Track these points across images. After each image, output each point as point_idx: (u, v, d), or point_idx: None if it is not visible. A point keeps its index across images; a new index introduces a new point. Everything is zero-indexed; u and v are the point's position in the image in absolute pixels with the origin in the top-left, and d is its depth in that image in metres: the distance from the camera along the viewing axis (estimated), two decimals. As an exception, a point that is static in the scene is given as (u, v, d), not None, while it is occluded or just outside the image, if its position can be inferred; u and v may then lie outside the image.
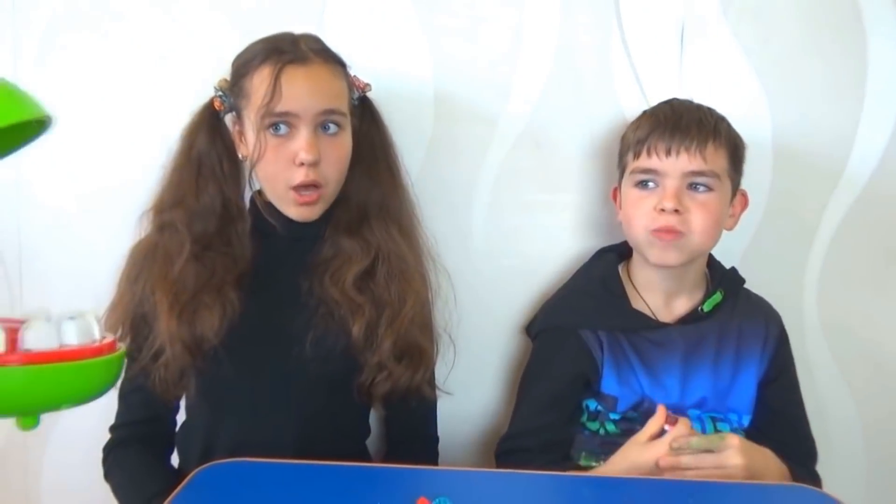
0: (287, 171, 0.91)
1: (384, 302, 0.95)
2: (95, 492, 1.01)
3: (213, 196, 0.94)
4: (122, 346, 0.54)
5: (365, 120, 1.00)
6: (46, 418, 1.17)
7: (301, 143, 0.89)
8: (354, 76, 0.99)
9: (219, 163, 0.95)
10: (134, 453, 0.98)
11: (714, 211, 0.96)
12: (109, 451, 0.99)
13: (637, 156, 0.98)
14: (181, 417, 1.03)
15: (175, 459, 1.03)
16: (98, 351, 0.48)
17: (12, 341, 0.43)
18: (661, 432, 0.87)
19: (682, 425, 0.87)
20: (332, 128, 0.92)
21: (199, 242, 0.93)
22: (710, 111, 1.00)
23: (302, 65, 0.89)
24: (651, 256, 0.98)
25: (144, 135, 1.14)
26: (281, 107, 0.88)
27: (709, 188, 0.96)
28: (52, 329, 0.45)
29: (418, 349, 0.97)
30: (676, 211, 0.94)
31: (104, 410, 0.99)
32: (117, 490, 0.97)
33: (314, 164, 0.90)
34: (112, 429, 1.00)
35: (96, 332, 0.50)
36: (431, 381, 1.03)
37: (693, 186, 0.96)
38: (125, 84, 1.15)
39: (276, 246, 0.96)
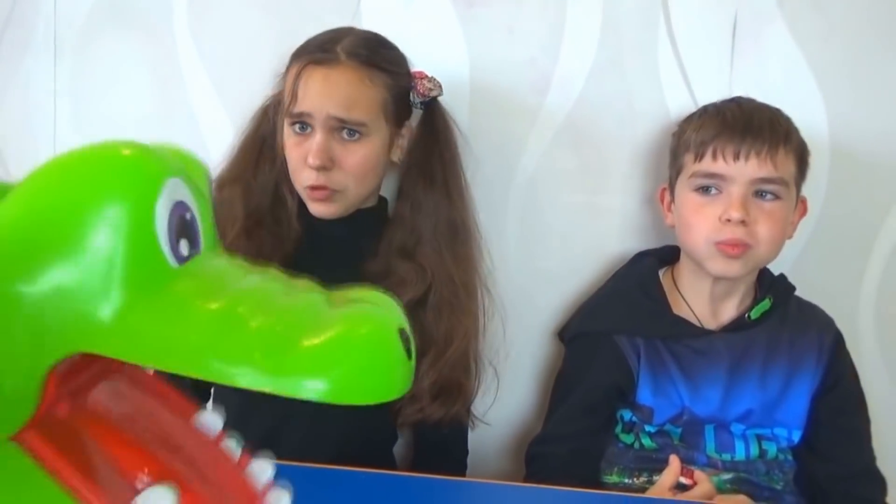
0: (302, 170, 0.90)
1: (430, 337, 0.91)
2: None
3: (269, 175, 0.95)
4: None
5: (426, 129, 0.97)
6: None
7: (311, 145, 0.88)
8: (427, 78, 0.96)
9: (280, 147, 0.95)
10: None
11: (781, 221, 0.90)
12: None
13: (700, 158, 0.91)
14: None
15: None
16: None
17: None
18: (679, 485, 0.82)
19: (703, 483, 0.80)
20: (354, 134, 0.89)
21: (252, 217, 0.94)
22: (780, 112, 0.94)
23: (325, 66, 0.87)
24: (712, 268, 0.91)
25: (177, 131, 1.13)
26: (297, 107, 0.88)
27: (776, 196, 0.90)
28: None
29: (457, 387, 0.93)
30: (742, 222, 0.87)
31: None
32: None
33: (323, 169, 0.88)
34: None
35: None
36: (467, 411, 0.99)
37: (759, 194, 0.89)
38: (162, 78, 1.15)
39: (319, 238, 0.95)
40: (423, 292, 0.91)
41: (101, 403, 0.40)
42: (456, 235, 0.96)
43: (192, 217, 0.38)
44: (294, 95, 0.87)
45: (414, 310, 0.91)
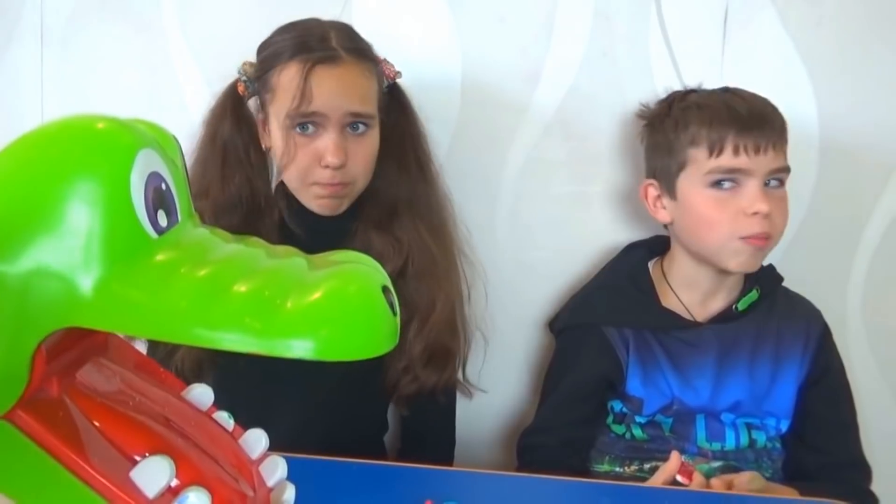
0: (312, 170, 0.88)
1: (414, 305, 0.92)
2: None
3: (240, 186, 0.91)
4: None
5: (394, 110, 0.97)
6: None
7: (328, 145, 0.87)
8: (385, 61, 0.96)
9: (245, 151, 0.92)
10: None
11: (787, 206, 0.93)
12: None
13: (718, 153, 0.90)
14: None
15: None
16: None
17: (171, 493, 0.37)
18: (674, 481, 0.81)
19: (697, 484, 0.80)
20: (361, 127, 0.89)
21: None
22: (770, 100, 0.95)
23: (332, 65, 0.86)
24: (733, 264, 0.91)
25: (167, 120, 1.12)
26: (310, 107, 0.86)
27: (781, 183, 0.92)
28: None
29: (446, 351, 0.95)
30: (768, 214, 0.88)
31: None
32: None
33: (340, 167, 0.87)
34: None
35: None
36: (456, 379, 1.01)
37: (767, 182, 0.91)
38: (152, 67, 1.15)
39: (303, 240, 0.94)
40: (402, 264, 0.93)
41: (91, 382, 0.40)
42: (430, 207, 0.97)
43: (168, 188, 0.38)
44: (304, 98, 0.85)
45: (394, 281, 0.91)
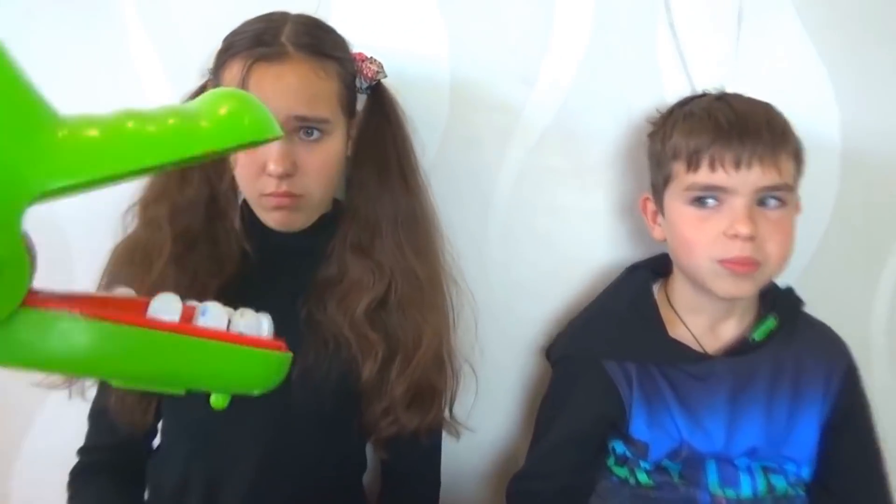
0: (258, 180, 0.79)
1: (396, 340, 0.83)
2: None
3: (199, 188, 0.84)
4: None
5: (375, 113, 0.88)
6: (16, 431, 1.08)
7: (270, 150, 0.77)
8: (368, 59, 0.87)
9: None
10: (96, 485, 0.87)
11: (789, 230, 0.83)
12: (74, 476, 0.89)
13: (695, 168, 0.82)
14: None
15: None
16: (269, 345, 0.48)
17: (186, 318, 0.46)
18: None
19: None
20: (315, 133, 0.79)
21: (182, 241, 0.82)
22: (772, 107, 0.85)
23: (276, 62, 0.77)
24: (719, 289, 0.82)
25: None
26: None
27: (781, 202, 0.82)
28: (225, 315, 0.47)
29: (431, 391, 0.86)
30: (751, 237, 0.79)
31: (79, 425, 0.90)
32: None
33: (286, 176, 0.77)
34: (80, 451, 0.90)
35: (266, 332, 0.49)
36: (444, 418, 0.92)
37: (762, 201, 0.81)
38: (109, 61, 1.05)
39: (270, 254, 0.85)
40: (384, 291, 0.83)
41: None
42: (416, 225, 0.88)
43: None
44: None
45: (376, 312, 0.83)
